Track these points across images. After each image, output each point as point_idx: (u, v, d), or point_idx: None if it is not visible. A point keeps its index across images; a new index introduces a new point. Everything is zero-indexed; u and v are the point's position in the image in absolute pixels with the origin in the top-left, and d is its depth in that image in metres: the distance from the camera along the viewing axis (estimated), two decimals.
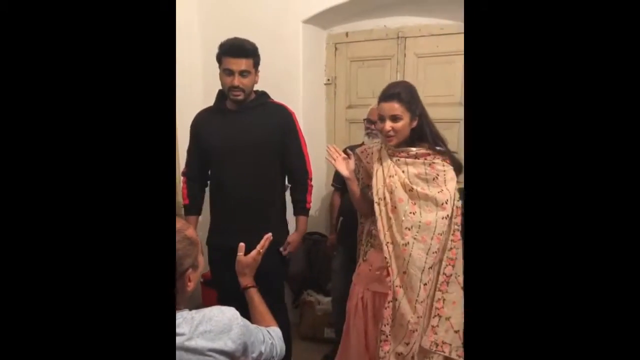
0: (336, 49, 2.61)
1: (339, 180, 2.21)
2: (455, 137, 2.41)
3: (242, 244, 1.25)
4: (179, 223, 0.95)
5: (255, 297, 1.21)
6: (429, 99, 2.45)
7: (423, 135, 1.53)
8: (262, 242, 1.28)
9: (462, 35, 2.31)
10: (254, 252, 1.25)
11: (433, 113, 2.41)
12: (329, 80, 2.65)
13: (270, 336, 1.11)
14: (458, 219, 1.48)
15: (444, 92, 2.40)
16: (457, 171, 1.52)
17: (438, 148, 1.53)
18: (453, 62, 2.37)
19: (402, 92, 1.47)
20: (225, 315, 0.97)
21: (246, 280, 1.24)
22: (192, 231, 0.98)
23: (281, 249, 1.81)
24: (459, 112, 2.40)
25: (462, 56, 2.34)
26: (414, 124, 1.51)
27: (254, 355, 1.03)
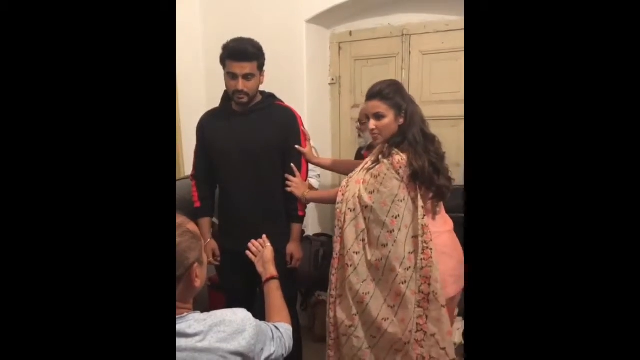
0: (340, 48, 2.59)
1: None
2: (461, 134, 2.38)
3: (250, 244, 1.36)
4: (180, 218, 0.96)
5: (275, 290, 1.24)
6: (434, 96, 2.43)
7: (407, 133, 1.45)
8: (262, 241, 1.39)
9: None
10: (268, 246, 1.37)
11: (439, 110, 2.42)
12: (333, 79, 2.63)
13: (280, 333, 1.10)
14: (426, 237, 1.41)
15: (450, 89, 2.38)
16: (413, 177, 1.39)
17: (394, 150, 1.43)
18: (459, 58, 2.33)
19: (384, 89, 1.46)
20: (238, 316, 0.98)
21: (268, 272, 1.29)
22: (194, 226, 1.00)
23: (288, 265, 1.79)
24: None
25: None
26: (401, 120, 1.46)
27: (266, 355, 1.04)
